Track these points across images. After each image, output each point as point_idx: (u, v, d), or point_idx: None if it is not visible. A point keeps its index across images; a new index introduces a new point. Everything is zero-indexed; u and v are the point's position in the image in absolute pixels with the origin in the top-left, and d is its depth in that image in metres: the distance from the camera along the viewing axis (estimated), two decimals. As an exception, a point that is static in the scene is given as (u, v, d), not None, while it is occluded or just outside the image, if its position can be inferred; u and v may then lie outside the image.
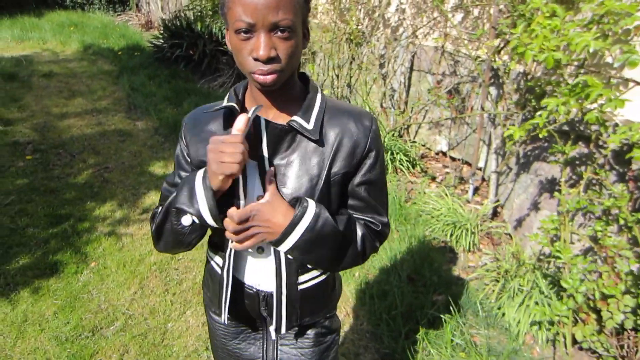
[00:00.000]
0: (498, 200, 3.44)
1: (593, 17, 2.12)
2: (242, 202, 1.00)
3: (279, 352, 1.21)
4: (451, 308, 2.51)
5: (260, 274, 1.10)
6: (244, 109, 1.03)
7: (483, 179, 3.87)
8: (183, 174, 1.09)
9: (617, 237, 2.23)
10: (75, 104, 5.78)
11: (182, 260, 3.01)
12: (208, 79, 6.80)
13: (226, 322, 1.11)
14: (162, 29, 7.64)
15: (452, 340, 2.34)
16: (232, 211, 0.94)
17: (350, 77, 5.14)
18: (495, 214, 3.51)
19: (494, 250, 3.09)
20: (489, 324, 2.48)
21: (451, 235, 3.18)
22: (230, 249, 1.05)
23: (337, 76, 5.27)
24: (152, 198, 3.75)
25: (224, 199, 0.96)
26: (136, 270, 2.88)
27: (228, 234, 0.95)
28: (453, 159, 4.20)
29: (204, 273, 1.27)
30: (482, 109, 3.43)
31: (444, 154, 4.31)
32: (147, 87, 6.31)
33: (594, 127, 2.39)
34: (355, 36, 4.80)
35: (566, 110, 2.03)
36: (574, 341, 2.42)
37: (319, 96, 1.04)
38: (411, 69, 4.53)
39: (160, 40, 7.66)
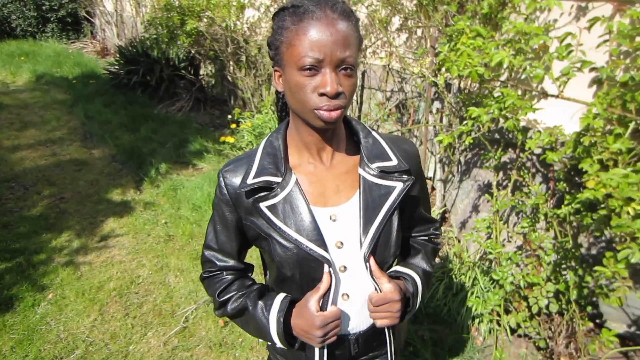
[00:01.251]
0: (445, 206, 3.63)
1: (512, 37, 2.35)
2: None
3: None
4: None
5: (352, 318, 1.11)
6: (286, 157, 1.04)
7: (432, 188, 4.07)
8: (225, 240, 1.11)
9: (543, 232, 2.44)
10: (28, 136, 5.72)
11: (142, 284, 3.06)
12: (166, 103, 6.86)
13: None
14: (118, 55, 7.65)
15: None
16: (372, 295, 1.03)
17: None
18: (443, 219, 3.70)
19: (441, 253, 3.27)
20: (435, 320, 2.64)
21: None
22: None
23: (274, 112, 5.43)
24: (110, 225, 3.78)
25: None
26: (95, 298, 2.92)
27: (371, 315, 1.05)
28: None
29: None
30: (427, 121, 3.63)
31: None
32: (103, 114, 6.30)
33: (522, 137, 2.61)
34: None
35: (489, 119, 2.23)
36: (513, 330, 2.61)
37: (366, 128, 1.09)
38: (362, 86, 4.74)
39: (116, 67, 7.66)
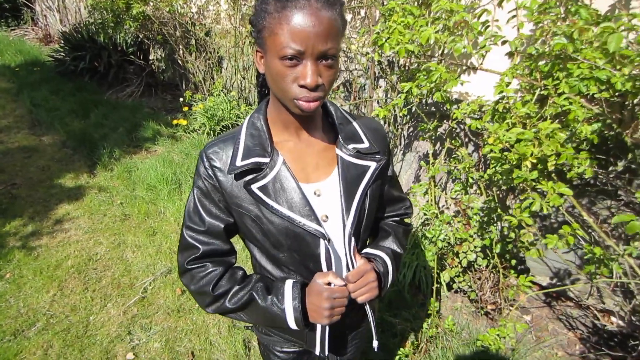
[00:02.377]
0: (390, 179, 3.87)
1: (439, 15, 2.56)
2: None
3: None
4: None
5: None
6: (270, 137, 1.04)
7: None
8: (211, 220, 1.08)
9: (474, 195, 2.70)
10: (-27, 124, 5.59)
11: (100, 261, 3.15)
12: (116, 89, 6.79)
13: (326, 351, 1.14)
14: (62, 42, 7.47)
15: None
16: (347, 274, 1.06)
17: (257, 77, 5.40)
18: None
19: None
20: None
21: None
22: None
23: (244, 78, 5.53)
24: (65, 208, 3.82)
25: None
26: (54, 275, 2.99)
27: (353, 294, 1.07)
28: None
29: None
30: (370, 97, 3.85)
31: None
32: (50, 101, 6.20)
33: (455, 108, 2.85)
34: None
35: (419, 92, 2.45)
36: (450, 287, 2.88)
37: (339, 110, 1.12)
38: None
39: (62, 54, 7.47)
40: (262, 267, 1.14)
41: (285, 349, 1.29)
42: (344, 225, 1.06)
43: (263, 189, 1.00)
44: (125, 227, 3.56)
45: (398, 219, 1.34)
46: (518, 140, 1.75)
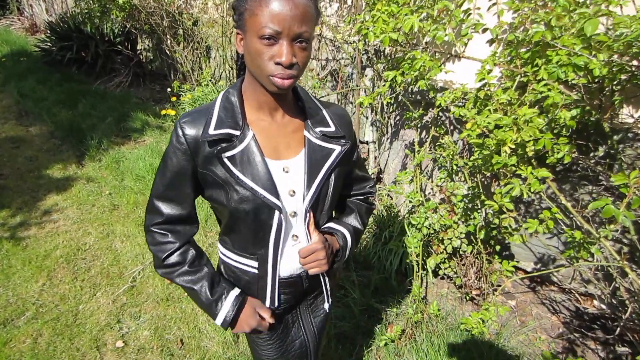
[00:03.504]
0: (378, 166, 3.90)
1: (423, 3, 2.58)
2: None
3: (313, 323, 1.43)
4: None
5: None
6: (243, 112, 1.11)
7: (367, 150, 4.33)
8: (177, 185, 1.14)
9: (459, 183, 2.74)
10: (-41, 115, 5.54)
11: (89, 250, 3.17)
12: (104, 79, 6.75)
13: (276, 304, 1.24)
14: (48, 31, 7.39)
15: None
16: (300, 249, 1.19)
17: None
18: (378, 179, 3.98)
19: (375, 210, 3.55)
20: (366, 267, 2.92)
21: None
22: (271, 251, 1.18)
23: (232, 68, 5.52)
24: (53, 199, 3.81)
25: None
26: (43, 265, 3.00)
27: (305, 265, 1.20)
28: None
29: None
30: (357, 86, 3.86)
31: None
32: (37, 92, 6.15)
33: (439, 95, 2.88)
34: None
35: (403, 80, 2.47)
36: (436, 274, 2.92)
37: (309, 95, 1.22)
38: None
39: (48, 44, 7.40)
40: (224, 233, 1.27)
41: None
42: (304, 200, 1.15)
43: (231, 159, 1.07)
44: (114, 217, 3.56)
45: (362, 197, 1.46)
46: (497, 127, 1.78)
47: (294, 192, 1.15)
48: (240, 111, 1.10)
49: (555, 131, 1.97)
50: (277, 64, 0.95)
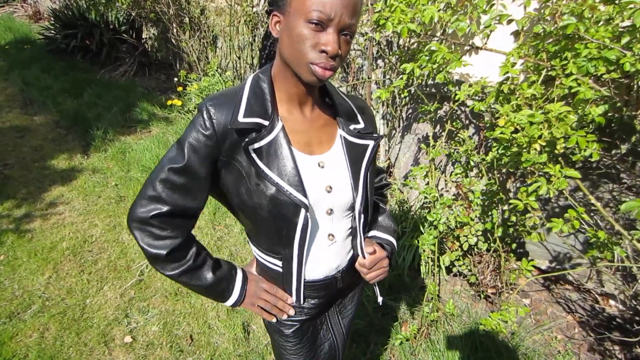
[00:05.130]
0: (389, 160, 3.84)
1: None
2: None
3: (341, 324, 1.38)
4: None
5: (337, 256, 1.20)
6: (274, 101, 1.03)
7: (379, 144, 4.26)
8: (197, 168, 1.00)
9: (475, 179, 2.67)
10: (-38, 104, 5.47)
11: (96, 243, 3.11)
12: (108, 68, 6.67)
13: (302, 302, 1.21)
14: (52, 19, 7.30)
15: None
16: (364, 262, 1.19)
17: (253, 57, 5.31)
18: (388, 173, 3.91)
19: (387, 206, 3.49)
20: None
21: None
22: (295, 252, 1.11)
23: (239, 58, 5.43)
24: (59, 189, 3.76)
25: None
26: (49, 257, 2.95)
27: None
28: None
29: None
30: (369, 78, 3.78)
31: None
32: (42, 80, 6.08)
33: (454, 89, 2.80)
34: (252, 18, 4.98)
35: (421, 73, 2.39)
36: (449, 270, 2.87)
37: (336, 90, 1.17)
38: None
39: (52, 32, 7.32)
40: (246, 231, 1.22)
41: (292, 317, 1.28)
42: (354, 202, 1.12)
43: (258, 151, 1.00)
44: (120, 209, 3.51)
45: (382, 190, 1.44)
46: (530, 123, 1.71)
47: (330, 187, 1.08)
48: (271, 99, 1.02)
49: (580, 128, 1.90)
50: (322, 52, 0.89)
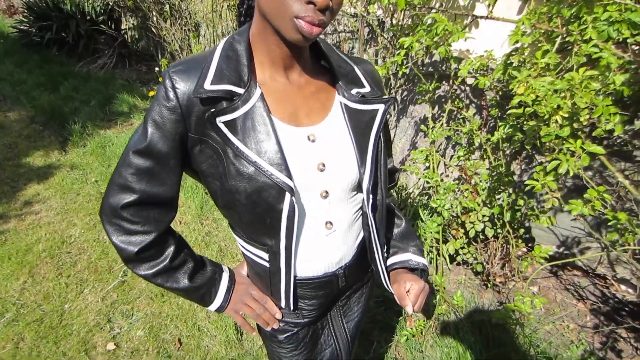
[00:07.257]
0: (383, 147, 3.66)
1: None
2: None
3: (345, 328, 1.20)
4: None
5: (338, 248, 1.02)
6: (251, 65, 0.87)
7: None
8: (161, 147, 0.85)
9: (478, 161, 2.51)
10: None
11: (75, 243, 2.91)
12: (87, 61, 6.40)
13: (291, 307, 1.03)
14: (26, 11, 7.00)
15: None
16: (409, 305, 1.00)
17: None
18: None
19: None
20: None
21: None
22: (282, 243, 0.93)
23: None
24: (34, 188, 3.53)
25: None
26: (24, 260, 2.74)
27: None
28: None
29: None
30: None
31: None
32: (15, 75, 5.82)
33: (453, 67, 2.63)
34: (235, 2, 4.76)
35: (421, 47, 2.21)
36: (452, 259, 2.71)
37: (334, 49, 0.98)
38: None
39: (26, 24, 7.02)
40: (218, 207, 1.00)
41: (286, 320, 1.11)
42: (361, 180, 0.94)
43: (230, 124, 0.83)
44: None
45: (390, 190, 1.28)
46: (554, 91, 1.53)
47: (324, 165, 0.90)
48: (247, 63, 0.84)
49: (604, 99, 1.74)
50: (309, 2, 0.72)
